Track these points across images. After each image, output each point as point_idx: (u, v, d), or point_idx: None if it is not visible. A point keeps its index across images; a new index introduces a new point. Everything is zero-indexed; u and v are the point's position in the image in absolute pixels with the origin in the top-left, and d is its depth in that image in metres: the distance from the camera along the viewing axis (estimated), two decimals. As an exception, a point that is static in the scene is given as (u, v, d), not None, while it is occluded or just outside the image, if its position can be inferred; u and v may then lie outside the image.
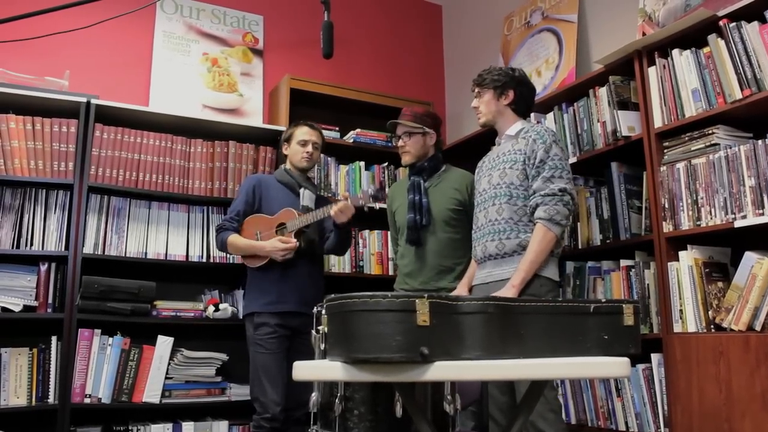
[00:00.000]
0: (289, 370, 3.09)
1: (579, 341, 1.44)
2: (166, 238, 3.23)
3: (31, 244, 2.94)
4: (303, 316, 2.72)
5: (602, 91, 2.80)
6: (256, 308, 2.79)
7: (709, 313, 2.25)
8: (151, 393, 2.99)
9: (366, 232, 3.71)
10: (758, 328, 2.09)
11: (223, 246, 2.89)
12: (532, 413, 1.94)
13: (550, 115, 3.09)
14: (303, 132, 2.97)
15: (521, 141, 2.44)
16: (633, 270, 2.61)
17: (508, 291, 2.23)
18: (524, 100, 2.55)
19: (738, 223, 2.18)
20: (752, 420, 2.04)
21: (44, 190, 3.02)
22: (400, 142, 2.88)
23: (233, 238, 2.84)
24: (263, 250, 2.78)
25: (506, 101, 2.51)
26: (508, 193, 2.40)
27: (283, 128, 3.32)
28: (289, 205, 2.87)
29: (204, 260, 3.29)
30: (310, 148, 2.95)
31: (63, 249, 2.97)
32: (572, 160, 2.87)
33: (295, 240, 2.76)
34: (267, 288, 2.80)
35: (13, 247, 2.90)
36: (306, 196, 2.90)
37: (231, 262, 3.30)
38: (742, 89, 2.21)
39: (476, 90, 2.57)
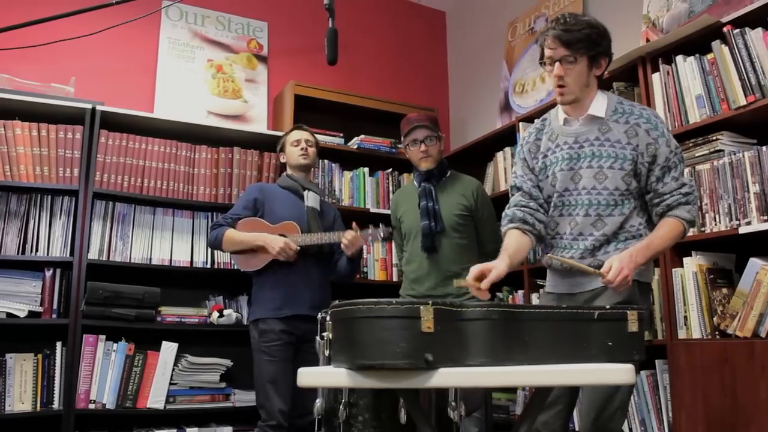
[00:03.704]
0: (295, 377, 3.07)
1: (583, 348, 1.44)
2: (171, 244, 3.24)
3: (37, 250, 2.95)
4: (310, 320, 2.69)
5: (606, 97, 2.80)
6: (261, 314, 2.77)
7: (714, 319, 2.24)
8: (155, 399, 3.00)
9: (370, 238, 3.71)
10: (763, 334, 2.08)
11: (217, 241, 2.83)
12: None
13: (554, 121, 3.08)
14: (294, 134, 3.04)
15: (616, 128, 1.89)
16: (637, 276, 2.59)
17: (626, 260, 1.73)
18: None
19: (742, 229, 2.17)
20: (758, 427, 2.03)
21: (49, 196, 3.03)
22: (422, 147, 2.83)
23: (230, 232, 2.81)
24: (262, 239, 2.75)
25: (598, 72, 1.93)
26: (612, 201, 1.90)
27: (287, 134, 3.33)
28: (295, 207, 2.88)
29: (208, 266, 3.29)
30: (303, 144, 2.99)
31: (68, 255, 2.98)
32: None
33: (298, 248, 2.75)
34: (273, 293, 2.78)
35: (18, 253, 2.91)
36: (310, 197, 2.91)
37: (235, 267, 3.30)
38: (746, 95, 2.21)
39: (563, 53, 1.86)
